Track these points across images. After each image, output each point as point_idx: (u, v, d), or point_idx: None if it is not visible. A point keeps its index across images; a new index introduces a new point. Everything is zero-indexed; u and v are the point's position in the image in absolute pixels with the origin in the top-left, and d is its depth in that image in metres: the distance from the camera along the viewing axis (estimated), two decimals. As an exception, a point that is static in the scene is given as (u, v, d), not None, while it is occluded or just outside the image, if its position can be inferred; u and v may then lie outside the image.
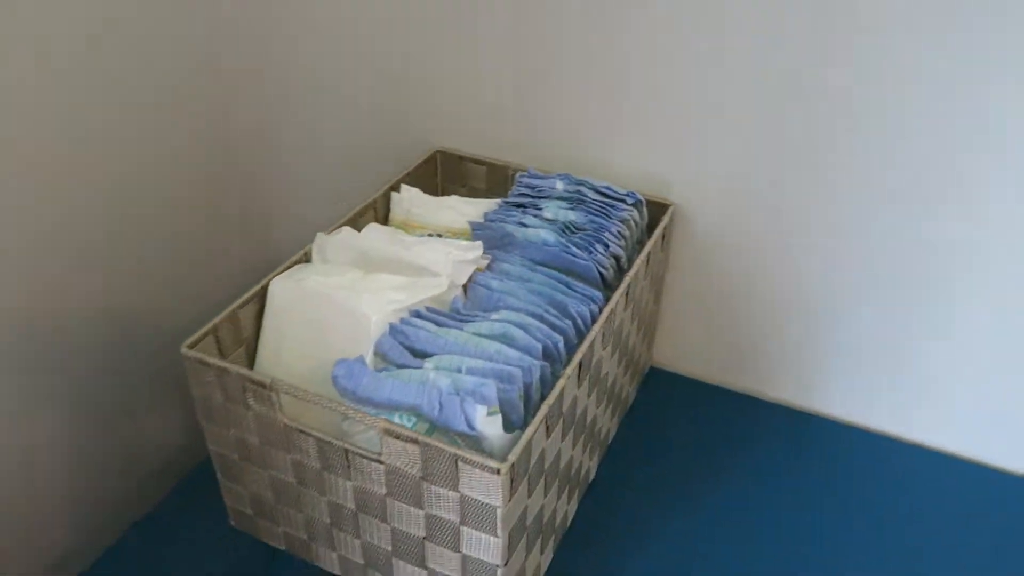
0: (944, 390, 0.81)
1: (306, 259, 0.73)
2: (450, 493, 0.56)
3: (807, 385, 0.88)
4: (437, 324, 0.65)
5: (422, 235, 0.78)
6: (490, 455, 0.56)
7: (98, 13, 0.73)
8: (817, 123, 0.73)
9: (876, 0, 0.66)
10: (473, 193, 0.90)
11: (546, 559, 0.71)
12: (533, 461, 0.58)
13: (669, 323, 0.91)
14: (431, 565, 0.62)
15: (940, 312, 0.77)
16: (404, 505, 0.59)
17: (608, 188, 0.78)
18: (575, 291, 0.70)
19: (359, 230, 0.74)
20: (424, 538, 0.61)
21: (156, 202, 0.86)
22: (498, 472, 0.53)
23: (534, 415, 0.58)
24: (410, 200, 0.82)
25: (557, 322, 0.66)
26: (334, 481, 0.62)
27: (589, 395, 0.69)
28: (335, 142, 0.98)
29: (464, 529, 0.58)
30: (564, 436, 0.65)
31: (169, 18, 0.82)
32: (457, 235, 0.79)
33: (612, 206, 0.77)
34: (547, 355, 0.64)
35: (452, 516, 0.58)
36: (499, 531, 0.56)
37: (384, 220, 0.83)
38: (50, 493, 0.82)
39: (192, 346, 0.62)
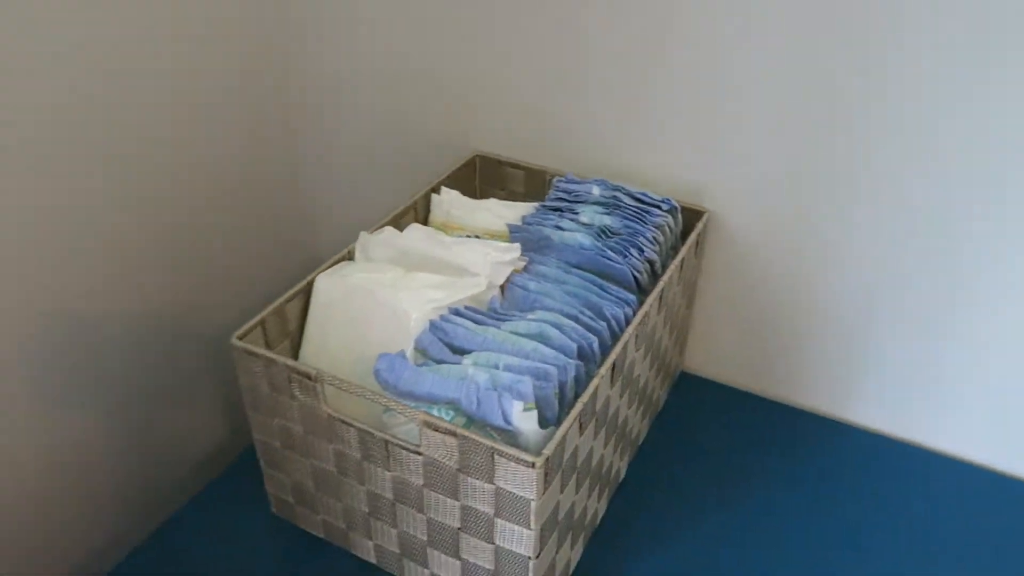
0: (975, 401, 0.82)
1: (349, 257, 0.75)
2: (486, 485, 0.58)
3: (837, 393, 0.88)
4: (475, 322, 0.67)
5: (461, 236, 0.80)
6: (525, 450, 0.58)
7: (149, 14, 0.76)
8: (853, 134, 0.74)
9: (910, 13, 0.67)
10: (511, 197, 0.92)
11: (576, 555, 0.72)
12: (566, 457, 0.60)
13: (701, 328, 0.92)
14: (464, 555, 0.64)
15: (973, 323, 0.78)
16: (440, 496, 0.61)
17: (644, 194, 0.80)
18: (610, 294, 0.72)
19: (401, 230, 0.77)
20: (459, 529, 0.63)
21: (204, 202, 0.89)
22: (533, 466, 0.54)
23: (568, 413, 0.60)
24: (450, 202, 0.85)
25: (592, 323, 0.68)
26: (373, 471, 0.64)
27: (621, 396, 0.70)
28: (378, 145, 1.01)
29: (498, 521, 0.60)
30: (596, 435, 0.66)
31: (219, 21, 0.85)
32: (495, 237, 0.81)
33: (648, 212, 0.79)
34: (582, 355, 0.65)
35: (487, 508, 0.59)
36: (532, 524, 0.58)
37: (424, 221, 0.85)
38: (96, 483, 0.85)
39: (241, 337, 0.65)
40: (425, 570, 0.68)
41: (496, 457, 0.56)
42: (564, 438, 0.57)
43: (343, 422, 0.63)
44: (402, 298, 0.68)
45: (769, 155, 0.79)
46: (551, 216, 0.79)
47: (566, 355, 0.64)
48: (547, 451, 0.55)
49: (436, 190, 0.86)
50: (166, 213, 0.85)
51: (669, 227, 0.79)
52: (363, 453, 0.64)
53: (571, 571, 0.72)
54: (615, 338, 0.68)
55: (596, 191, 0.81)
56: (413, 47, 0.92)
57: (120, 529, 0.89)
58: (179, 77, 0.82)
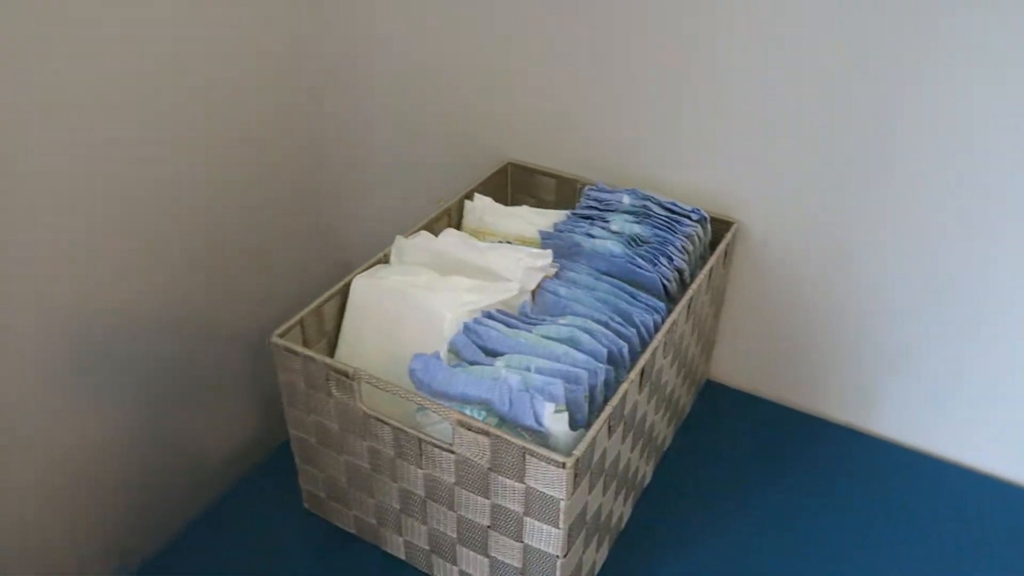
0: (1003, 414, 0.82)
1: (385, 260, 0.77)
2: (516, 484, 0.60)
3: (863, 404, 0.89)
4: (507, 325, 0.69)
5: (493, 242, 0.82)
6: (555, 451, 0.59)
7: (185, 23, 0.79)
8: (880, 147, 0.75)
9: (937, 19, 0.68)
10: (541, 204, 0.94)
11: (601, 557, 0.73)
12: (595, 459, 0.61)
13: (727, 337, 0.93)
14: (493, 553, 0.66)
15: (1000, 334, 0.78)
16: (471, 494, 0.63)
17: (674, 204, 0.81)
18: (639, 301, 0.73)
19: (435, 235, 0.79)
20: (488, 527, 0.64)
21: (241, 207, 0.91)
22: (564, 466, 0.56)
23: (597, 416, 0.61)
24: (483, 209, 0.86)
25: (622, 329, 0.69)
26: (406, 468, 0.66)
27: (649, 401, 0.72)
28: (413, 153, 1.03)
29: (527, 520, 0.61)
30: (624, 439, 0.68)
31: (261, 34, 0.87)
32: (526, 243, 0.82)
33: (677, 221, 0.80)
34: (611, 360, 0.67)
35: (516, 507, 0.61)
36: (561, 523, 0.59)
37: (457, 226, 0.87)
38: (131, 477, 0.87)
39: (281, 336, 0.67)
40: (454, 567, 0.70)
41: (527, 457, 0.57)
42: (594, 440, 0.59)
43: (378, 420, 0.64)
44: (437, 300, 0.70)
45: (797, 167, 0.80)
46: (582, 224, 0.81)
47: (596, 360, 0.65)
48: (577, 452, 0.57)
49: (469, 196, 0.87)
50: (202, 216, 0.87)
51: (698, 237, 0.80)
52: (396, 451, 0.65)
53: (596, 573, 0.73)
54: (644, 344, 0.70)
55: (626, 200, 0.83)
56: (449, 57, 0.94)
57: (153, 524, 0.91)
58: (221, 86, 0.84)
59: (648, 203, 0.82)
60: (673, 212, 0.81)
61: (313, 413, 0.69)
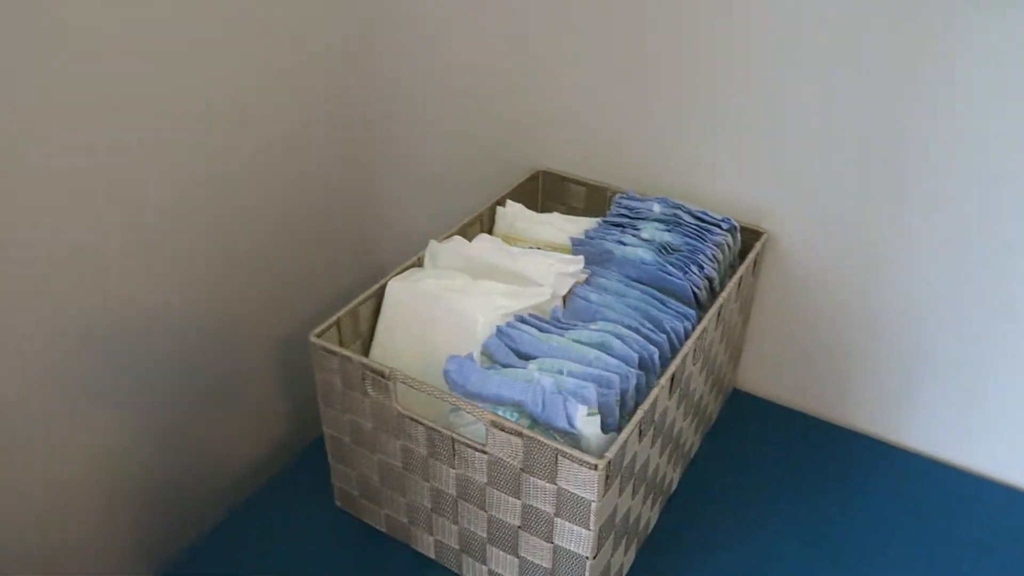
0: (1032, 429, 0.82)
1: (419, 264, 0.79)
2: (548, 485, 0.61)
3: (890, 416, 0.89)
4: (539, 329, 0.70)
5: (525, 248, 0.83)
6: (586, 453, 0.60)
7: (239, 35, 0.81)
8: (911, 160, 0.75)
9: (969, 41, 0.68)
10: (571, 212, 0.95)
11: (628, 560, 0.74)
12: (625, 462, 0.62)
13: (755, 346, 0.94)
14: (523, 553, 0.67)
15: (1031, 351, 0.78)
16: (503, 494, 0.64)
17: (704, 213, 0.82)
18: (670, 308, 0.74)
19: (468, 240, 0.80)
20: (519, 527, 0.65)
21: (280, 215, 0.93)
22: (596, 468, 0.57)
23: (628, 421, 0.62)
24: (514, 215, 0.88)
25: (652, 335, 0.70)
26: (439, 468, 0.67)
27: (678, 407, 0.72)
28: (446, 160, 1.04)
29: (558, 520, 0.62)
30: (653, 443, 0.68)
31: (308, 42, 0.89)
32: (556, 250, 0.83)
33: (708, 230, 0.81)
34: (642, 365, 0.68)
35: (548, 507, 0.62)
36: (592, 524, 0.60)
37: (489, 232, 0.88)
38: (166, 474, 0.89)
39: (319, 335, 0.69)
40: (483, 567, 0.71)
41: (560, 458, 0.58)
42: (625, 443, 0.60)
43: (412, 419, 0.66)
44: (470, 304, 0.71)
45: (827, 177, 0.80)
46: (613, 231, 0.82)
47: (628, 364, 0.66)
48: (609, 454, 0.58)
49: (501, 203, 0.89)
50: (239, 219, 0.88)
51: (728, 246, 0.81)
52: (429, 450, 0.67)
53: (623, 576, 0.74)
54: (674, 351, 0.71)
55: (657, 208, 0.84)
56: (484, 68, 0.95)
57: (187, 521, 0.93)
58: (263, 91, 0.86)
59: (678, 212, 0.83)
60: (703, 221, 0.82)
61: (348, 412, 0.71)
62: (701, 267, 0.77)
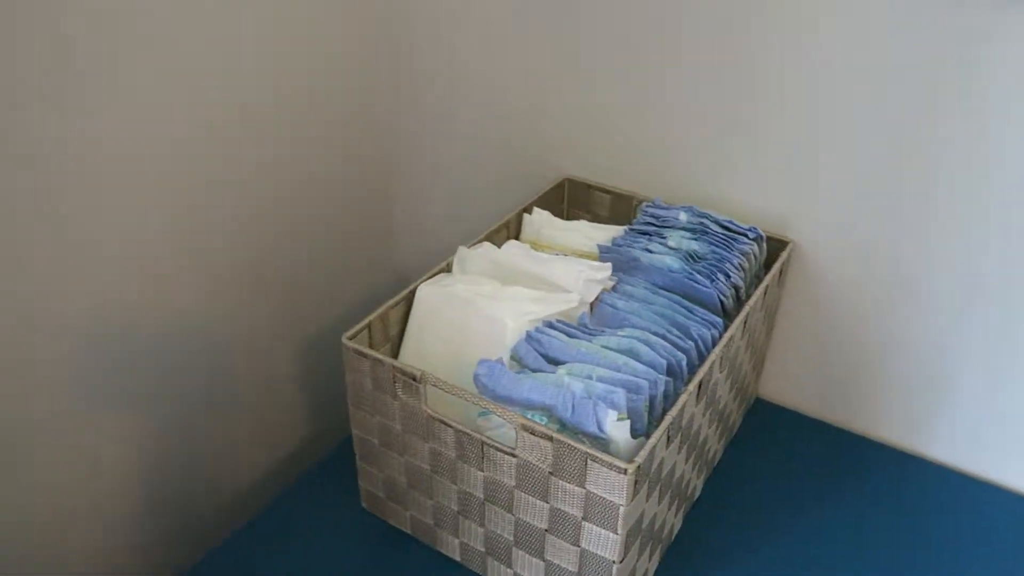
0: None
1: (447, 269, 0.80)
2: (576, 489, 0.61)
3: (911, 425, 0.89)
4: (568, 335, 0.71)
5: (551, 255, 0.84)
6: (615, 457, 0.61)
7: (263, 42, 0.82)
8: (935, 170, 0.76)
9: (998, 59, 0.69)
10: (597, 220, 0.96)
11: (652, 566, 0.74)
12: (653, 468, 0.62)
13: (778, 355, 0.94)
14: (549, 557, 0.67)
15: (1058, 364, 0.78)
16: (531, 498, 0.65)
17: (730, 222, 0.83)
18: (696, 315, 0.74)
19: (497, 246, 0.81)
20: (546, 530, 0.66)
21: (307, 216, 0.95)
22: (625, 472, 0.57)
23: (655, 426, 0.63)
24: (540, 222, 0.89)
25: (680, 342, 0.71)
26: (467, 471, 0.68)
27: (704, 415, 0.73)
28: (470, 167, 1.06)
29: (586, 524, 0.63)
30: (679, 450, 0.69)
31: (342, 53, 0.91)
32: (583, 257, 0.84)
33: (734, 239, 0.81)
34: (670, 371, 0.68)
35: (575, 511, 0.63)
36: (619, 528, 0.61)
37: (516, 239, 0.89)
38: (189, 474, 0.91)
39: (351, 338, 0.70)
40: (509, 570, 0.71)
41: (589, 462, 0.59)
42: (653, 448, 0.60)
43: (442, 422, 0.67)
44: (499, 309, 0.72)
45: (854, 189, 0.81)
46: (640, 239, 0.83)
47: (656, 370, 0.67)
48: (639, 459, 0.58)
49: (528, 210, 0.90)
50: (268, 223, 0.90)
51: (754, 255, 0.82)
52: (458, 453, 0.67)
53: (646, 582, 0.75)
54: (701, 358, 0.71)
55: (683, 217, 0.84)
56: (512, 77, 0.96)
57: (214, 522, 0.94)
58: (294, 97, 0.88)
59: (705, 220, 0.83)
60: (730, 230, 0.82)
61: (377, 414, 0.72)
62: (728, 275, 0.78)
